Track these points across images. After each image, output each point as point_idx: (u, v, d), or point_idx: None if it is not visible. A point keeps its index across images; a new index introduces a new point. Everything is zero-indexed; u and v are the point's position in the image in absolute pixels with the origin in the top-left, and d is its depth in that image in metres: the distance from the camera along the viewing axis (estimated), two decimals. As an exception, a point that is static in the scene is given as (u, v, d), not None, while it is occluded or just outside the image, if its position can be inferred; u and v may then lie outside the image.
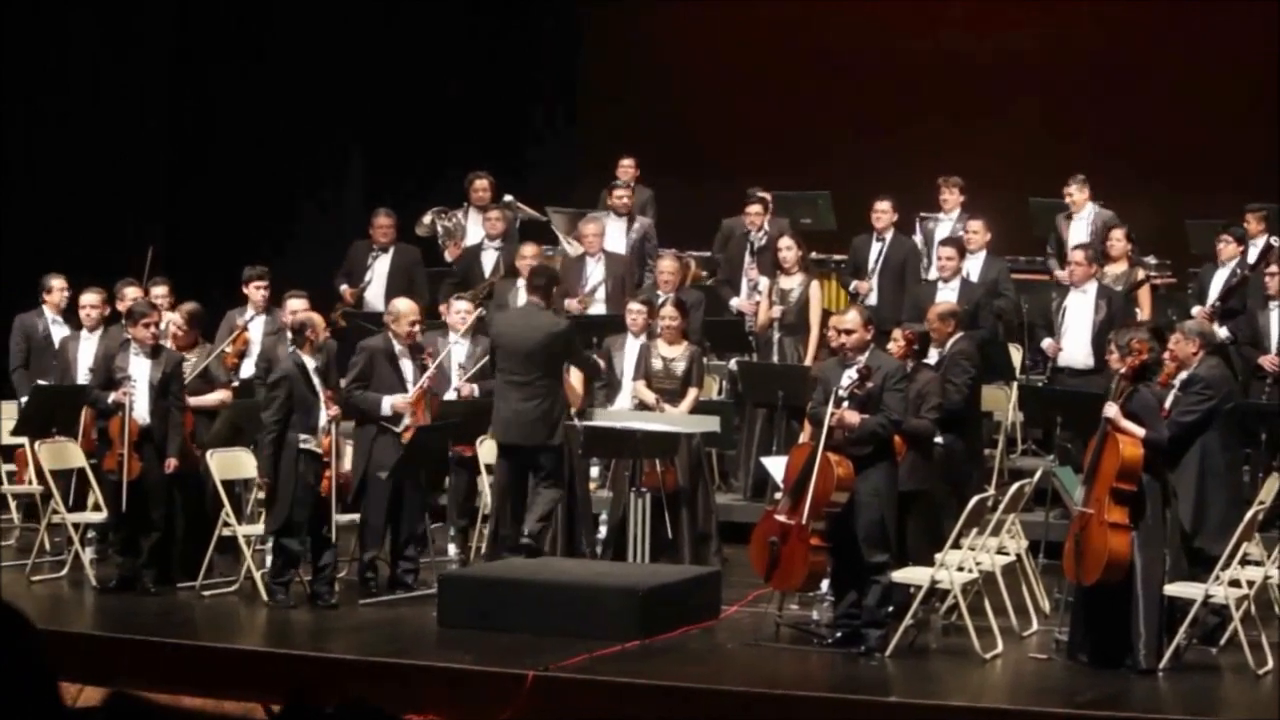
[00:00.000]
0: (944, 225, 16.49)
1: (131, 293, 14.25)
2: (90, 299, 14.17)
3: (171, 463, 12.76)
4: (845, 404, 11.24)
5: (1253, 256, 15.54)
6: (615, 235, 16.72)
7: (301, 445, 12.36)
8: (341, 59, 19.51)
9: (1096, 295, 14.66)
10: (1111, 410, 11.01)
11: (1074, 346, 14.62)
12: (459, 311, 13.54)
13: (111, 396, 12.70)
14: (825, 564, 11.55)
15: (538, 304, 13.07)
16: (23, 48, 17.43)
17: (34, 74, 17.64)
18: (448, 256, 17.20)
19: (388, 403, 12.79)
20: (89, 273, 14.73)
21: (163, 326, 13.39)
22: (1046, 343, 14.84)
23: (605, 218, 16.77)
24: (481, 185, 17.33)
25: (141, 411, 12.73)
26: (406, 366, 12.98)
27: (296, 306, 13.74)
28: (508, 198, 17.32)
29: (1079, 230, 16.16)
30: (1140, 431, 10.98)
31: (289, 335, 13.11)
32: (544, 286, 13.14)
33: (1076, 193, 16.23)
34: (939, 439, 12.35)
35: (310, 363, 12.52)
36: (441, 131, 19.79)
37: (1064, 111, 19.13)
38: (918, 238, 16.52)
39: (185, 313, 13.74)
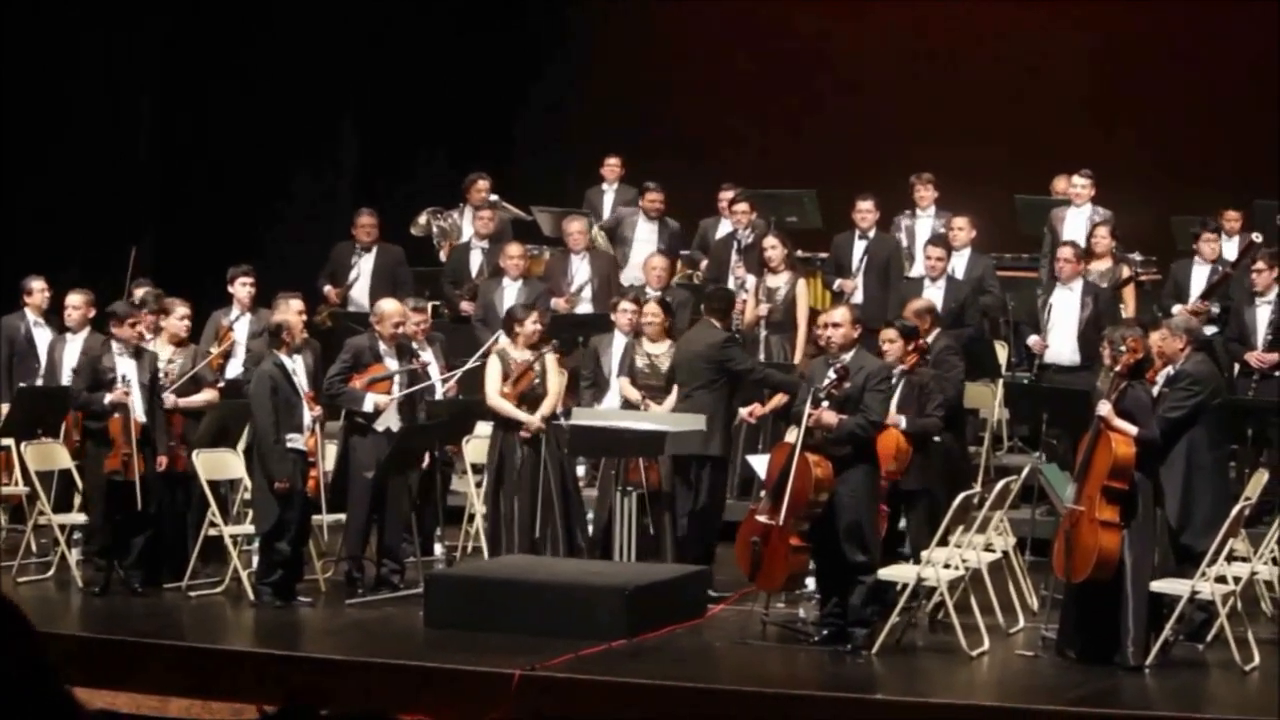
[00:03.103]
0: (923, 222, 16.47)
1: (140, 294, 14.22)
2: (75, 300, 14.13)
3: (163, 460, 12.77)
4: (824, 404, 11.22)
5: (1230, 252, 15.54)
6: (647, 238, 16.81)
7: (289, 445, 12.37)
8: (333, 58, 19.49)
9: (1083, 292, 14.67)
10: (1105, 408, 10.97)
11: (1060, 343, 14.65)
12: (416, 322, 13.43)
13: (109, 397, 12.66)
14: (806, 564, 11.53)
15: (712, 324, 13.19)
16: (6, 46, 17.37)
17: (18, 74, 17.58)
18: (443, 256, 17.19)
19: (370, 399, 12.77)
20: (74, 274, 14.68)
21: (174, 322, 13.41)
22: (1033, 339, 14.84)
23: (636, 217, 16.90)
24: (482, 186, 17.34)
25: (139, 411, 12.72)
26: (391, 365, 12.95)
27: (295, 307, 13.63)
28: (492, 197, 17.32)
29: (1075, 224, 16.08)
30: (1133, 430, 10.96)
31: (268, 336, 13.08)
32: (721, 309, 13.38)
33: (1084, 187, 16.12)
34: (936, 437, 12.35)
35: (289, 363, 12.52)
36: (432, 131, 19.78)
37: (1051, 108, 19.10)
38: (900, 235, 16.49)
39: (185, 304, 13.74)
